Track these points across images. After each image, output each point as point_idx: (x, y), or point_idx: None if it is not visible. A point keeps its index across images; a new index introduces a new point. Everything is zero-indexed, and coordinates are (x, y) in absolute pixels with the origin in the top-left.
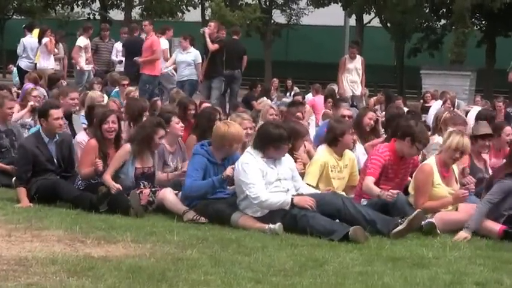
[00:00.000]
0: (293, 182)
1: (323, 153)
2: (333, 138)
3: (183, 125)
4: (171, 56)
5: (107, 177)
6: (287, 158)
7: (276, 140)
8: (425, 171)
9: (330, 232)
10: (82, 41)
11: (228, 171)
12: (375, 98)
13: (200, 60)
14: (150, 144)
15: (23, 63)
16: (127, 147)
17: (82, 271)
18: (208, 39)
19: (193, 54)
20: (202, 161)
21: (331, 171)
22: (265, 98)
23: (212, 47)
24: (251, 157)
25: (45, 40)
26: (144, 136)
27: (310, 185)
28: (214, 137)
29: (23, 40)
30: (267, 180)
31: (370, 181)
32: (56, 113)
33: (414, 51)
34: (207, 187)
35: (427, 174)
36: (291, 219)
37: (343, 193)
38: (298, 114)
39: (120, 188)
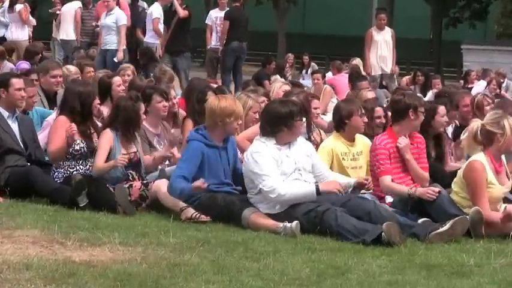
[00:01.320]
0: (315, 172)
1: (329, 139)
2: (339, 121)
3: (166, 104)
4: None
5: (100, 164)
6: (304, 144)
7: (287, 118)
8: (477, 168)
9: (362, 232)
10: (78, 3)
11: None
12: (407, 77)
13: (123, 22)
14: (136, 122)
15: (9, 33)
16: (109, 132)
17: (61, 278)
18: (176, 1)
19: (114, 16)
20: (197, 147)
21: (343, 159)
22: (278, 77)
23: (182, 12)
24: (262, 144)
25: (19, 7)
26: (127, 115)
27: None
28: (206, 115)
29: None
30: (282, 171)
31: (388, 181)
32: (18, 82)
33: (453, 21)
34: (185, 190)
35: (481, 170)
36: (314, 217)
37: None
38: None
39: (127, 159)
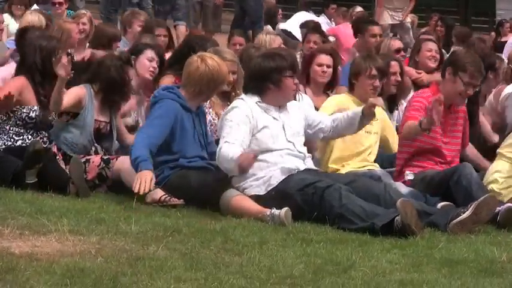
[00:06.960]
0: (313, 125)
1: (338, 96)
2: (349, 80)
3: (156, 66)
4: None
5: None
6: (297, 105)
7: (273, 72)
8: None
9: (371, 216)
10: None
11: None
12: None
13: None
14: (123, 90)
15: None
16: (83, 88)
17: None
18: None
19: None
20: (170, 107)
21: None
22: (269, 27)
23: None
24: (239, 101)
25: None
26: (112, 79)
27: None
28: (188, 79)
29: None
30: (263, 140)
31: (409, 124)
32: None
33: None
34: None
35: None
36: (312, 194)
37: (376, 166)
38: None
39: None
